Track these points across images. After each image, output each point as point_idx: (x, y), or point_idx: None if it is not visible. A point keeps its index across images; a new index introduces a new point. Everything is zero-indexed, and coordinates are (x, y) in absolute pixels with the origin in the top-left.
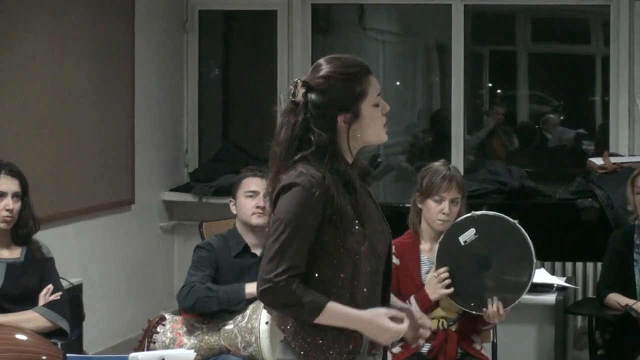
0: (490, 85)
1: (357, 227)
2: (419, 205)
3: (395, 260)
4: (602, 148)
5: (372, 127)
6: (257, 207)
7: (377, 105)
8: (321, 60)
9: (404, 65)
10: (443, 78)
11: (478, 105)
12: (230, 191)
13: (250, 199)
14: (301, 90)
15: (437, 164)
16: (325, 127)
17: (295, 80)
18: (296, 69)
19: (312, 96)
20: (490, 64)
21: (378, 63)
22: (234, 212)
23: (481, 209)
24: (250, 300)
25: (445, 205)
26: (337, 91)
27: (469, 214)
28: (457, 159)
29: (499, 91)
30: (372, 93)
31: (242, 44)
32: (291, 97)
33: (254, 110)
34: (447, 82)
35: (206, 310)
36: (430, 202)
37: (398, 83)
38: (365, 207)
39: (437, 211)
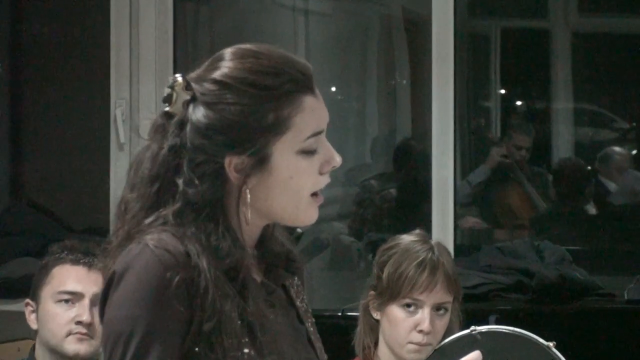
0: (502, 92)
1: (246, 351)
2: (375, 315)
3: None
4: None
5: (288, 192)
6: (78, 322)
7: (308, 153)
8: (227, 51)
9: (344, 57)
10: (417, 80)
11: (481, 129)
12: (26, 289)
13: (66, 305)
14: (183, 96)
15: (409, 239)
16: (204, 170)
17: (176, 75)
18: (146, 63)
19: (194, 113)
20: (502, 55)
21: (296, 52)
22: (34, 326)
23: (488, 322)
24: None
25: (423, 315)
26: (232, 113)
27: (465, 331)
28: (444, 229)
29: (518, 103)
30: (303, 128)
31: (49, 23)
32: (164, 102)
33: (70, 140)
34: (425, 88)
35: None
36: (395, 310)
37: (333, 89)
38: (265, 318)
39: (408, 326)
